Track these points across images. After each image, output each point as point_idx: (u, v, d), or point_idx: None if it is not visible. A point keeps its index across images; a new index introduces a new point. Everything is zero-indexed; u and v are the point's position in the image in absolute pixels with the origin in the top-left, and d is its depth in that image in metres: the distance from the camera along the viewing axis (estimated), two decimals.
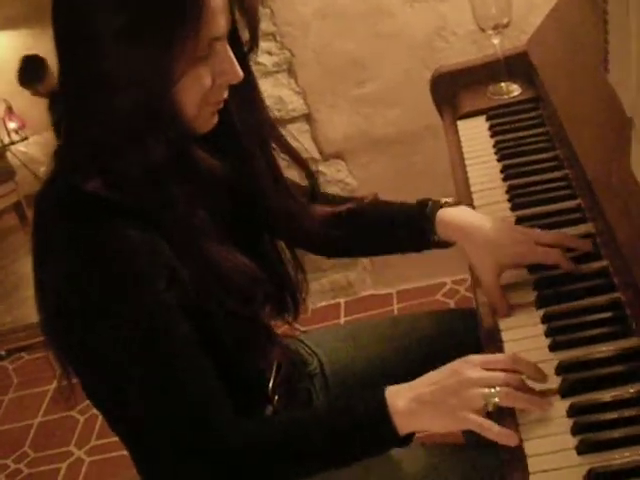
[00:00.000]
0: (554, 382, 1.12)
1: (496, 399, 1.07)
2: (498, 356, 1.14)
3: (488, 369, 1.10)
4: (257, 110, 1.30)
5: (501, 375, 1.09)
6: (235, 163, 1.29)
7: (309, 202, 1.41)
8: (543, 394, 1.10)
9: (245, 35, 1.23)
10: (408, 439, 1.13)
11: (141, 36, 1.07)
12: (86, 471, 2.63)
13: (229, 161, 1.29)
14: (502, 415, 1.09)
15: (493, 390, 1.07)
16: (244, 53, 1.24)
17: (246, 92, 1.26)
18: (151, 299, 1.10)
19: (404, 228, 1.42)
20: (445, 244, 1.40)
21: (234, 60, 1.17)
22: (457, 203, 1.41)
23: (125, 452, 1.27)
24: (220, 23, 1.13)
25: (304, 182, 1.42)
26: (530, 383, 1.11)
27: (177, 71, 1.10)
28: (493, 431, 1.06)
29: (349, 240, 1.46)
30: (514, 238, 1.32)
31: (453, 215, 1.37)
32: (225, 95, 1.21)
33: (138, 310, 1.10)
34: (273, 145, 1.34)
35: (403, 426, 1.10)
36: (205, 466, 1.13)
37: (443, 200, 1.40)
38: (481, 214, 1.40)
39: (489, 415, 1.07)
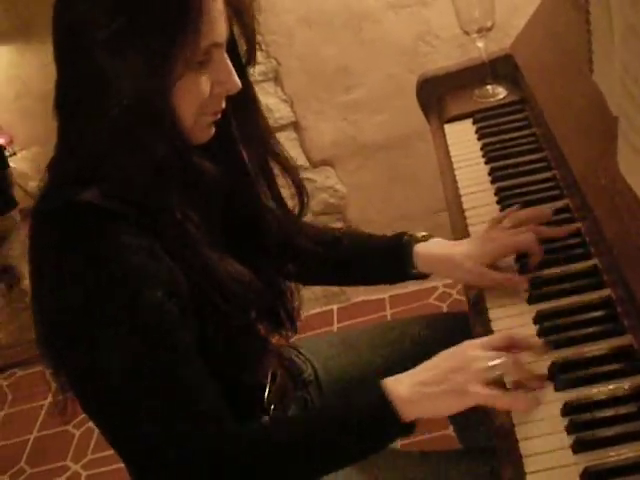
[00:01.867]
0: (547, 383, 1.12)
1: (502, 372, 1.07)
2: (494, 336, 1.15)
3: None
4: (258, 124, 1.30)
5: (501, 353, 1.10)
6: (233, 177, 1.28)
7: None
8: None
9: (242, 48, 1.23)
10: (411, 428, 1.11)
11: (140, 39, 1.06)
12: None
13: (227, 174, 1.28)
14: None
15: (498, 360, 1.08)
16: (243, 66, 1.23)
17: (247, 106, 1.26)
18: (151, 307, 1.08)
19: (383, 261, 1.46)
20: (422, 276, 1.45)
21: (232, 69, 1.17)
22: (430, 236, 1.45)
23: (122, 465, 1.26)
24: (219, 29, 1.12)
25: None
26: None
27: (175, 75, 1.09)
28: (505, 400, 1.06)
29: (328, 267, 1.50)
30: (484, 238, 1.36)
31: (429, 249, 1.42)
32: (223, 106, 1.20)
33: (138, 319, 1.07)
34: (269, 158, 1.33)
35: (405, 412, 1.08)
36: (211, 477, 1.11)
37: (420, 234, 1.44)
38: (454, 242, 1.44)
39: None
